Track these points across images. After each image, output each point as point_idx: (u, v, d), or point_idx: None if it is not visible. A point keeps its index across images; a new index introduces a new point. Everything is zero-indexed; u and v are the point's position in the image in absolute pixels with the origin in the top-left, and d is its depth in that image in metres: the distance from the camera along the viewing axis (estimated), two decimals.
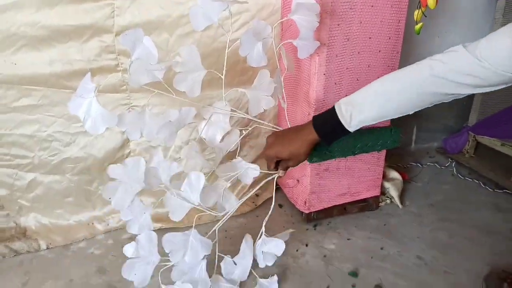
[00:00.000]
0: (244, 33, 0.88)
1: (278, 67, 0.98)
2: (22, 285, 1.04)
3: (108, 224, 1.25)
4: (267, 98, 0.99)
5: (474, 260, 1.12)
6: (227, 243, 1.01)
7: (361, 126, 0.84)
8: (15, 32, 0.97)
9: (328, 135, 0.87)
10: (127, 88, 1.12)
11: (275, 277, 1.01)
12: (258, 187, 1.01)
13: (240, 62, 1.16)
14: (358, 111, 0.81)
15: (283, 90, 1.02)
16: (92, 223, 1.24)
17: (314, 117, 0.89)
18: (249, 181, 0.99)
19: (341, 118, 0.83)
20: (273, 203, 1.00)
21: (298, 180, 1.26)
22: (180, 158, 1.18)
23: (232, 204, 0.98)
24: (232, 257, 1.00)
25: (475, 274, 1.06)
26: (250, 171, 0.98)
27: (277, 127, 1.08)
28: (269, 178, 1.00)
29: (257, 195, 1.40)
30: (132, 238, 1.18)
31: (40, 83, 1.04)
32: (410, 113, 0.80)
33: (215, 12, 0.83)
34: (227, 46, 0.92)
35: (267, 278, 1.01)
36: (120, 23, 1.04)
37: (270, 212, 1.00)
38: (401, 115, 0.81)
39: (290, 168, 0.95)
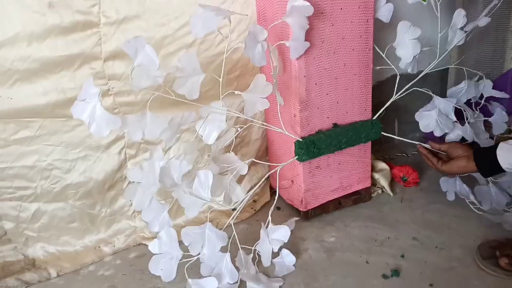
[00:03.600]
0: (247, 36, 0.94)
1: (277, 65, 1.05)
2: None
3: (114, 246, 1.27)
4: (262, 100, 1.05)
5: (466, 235, 1.19)
6: (232, 248, 1.06)
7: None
8: (9, 68, 1.02)
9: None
10: (120, 111, 1.17)
11: (286, 250, 1.10)
12: (257, 187, 1.06)
13: (225, 75, 1.23)
14: None
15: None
16: (99, 246, 1.27)
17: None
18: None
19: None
20: (276, 195, 1.05)
21: (292, 181, 1.32)
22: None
23: (238, 195, 1.06)
24: None
25: (468, 247, 1.13)
26: (241, 166, 1.08)
27: (270, 126, 1.16)
28: (262, 181, 1.06)
29: (254, 201, 1.45)
30: (140, 256, 1.23)
31: (37, 114, 1.08)
32: None
33: (214, 21, 0.90)
34: (225, 51, 0.98)
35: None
36: (107, 49, 1.10)
37: (274, 202, 1.10)
38: None
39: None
